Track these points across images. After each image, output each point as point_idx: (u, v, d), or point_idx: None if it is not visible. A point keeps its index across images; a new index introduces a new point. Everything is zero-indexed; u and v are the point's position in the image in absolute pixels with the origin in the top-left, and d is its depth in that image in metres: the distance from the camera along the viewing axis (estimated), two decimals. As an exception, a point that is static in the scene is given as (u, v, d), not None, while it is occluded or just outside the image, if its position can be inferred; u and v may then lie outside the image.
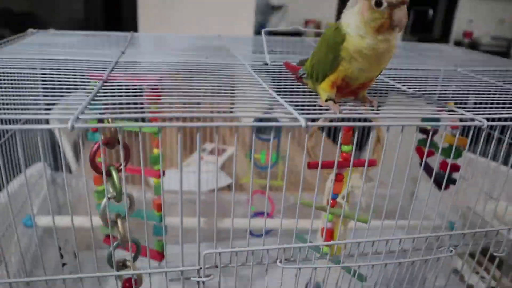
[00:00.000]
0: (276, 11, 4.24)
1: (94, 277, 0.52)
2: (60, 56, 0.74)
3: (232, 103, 1.42)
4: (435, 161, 0.77)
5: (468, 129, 0.56)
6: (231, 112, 1.83)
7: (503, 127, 0.62)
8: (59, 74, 0.66)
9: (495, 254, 0.69)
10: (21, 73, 0.72)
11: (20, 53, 0.77)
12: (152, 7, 2.47)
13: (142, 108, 0.54)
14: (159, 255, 0.75)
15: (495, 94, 0.70)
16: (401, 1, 0.49)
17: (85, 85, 0.64)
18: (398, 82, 0.71)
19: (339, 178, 0.61)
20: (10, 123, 0.46)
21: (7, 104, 0.49)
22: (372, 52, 0.51)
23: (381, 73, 0.64)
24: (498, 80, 0.78)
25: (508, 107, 0.59)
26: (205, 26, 2.51)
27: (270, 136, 0.85)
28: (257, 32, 2.62)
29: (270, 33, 0.95)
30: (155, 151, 0.71)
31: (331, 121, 0.57)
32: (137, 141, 0.49)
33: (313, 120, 0.50)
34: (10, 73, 0.70)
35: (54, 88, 0.59)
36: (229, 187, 1.18)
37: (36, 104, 0.50)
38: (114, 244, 0.55)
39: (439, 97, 0.65)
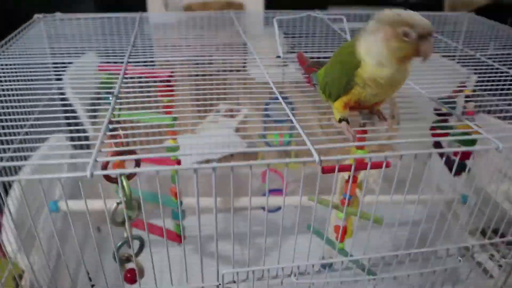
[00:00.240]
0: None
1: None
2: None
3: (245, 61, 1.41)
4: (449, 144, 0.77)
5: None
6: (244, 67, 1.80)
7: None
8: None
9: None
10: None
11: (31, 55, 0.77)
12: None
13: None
14: (178, 237, 0.79)
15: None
16: (429, 32, 0.47)
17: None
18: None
19: (354, 180, 0.62)
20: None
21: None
22: (388, 81, 0.49)
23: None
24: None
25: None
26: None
27: (282, 118, 0.85)
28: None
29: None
30: (171, 141, 0.72)
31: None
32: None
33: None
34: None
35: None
36: (244, 154, 1.19)
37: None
38: (118, 244, 0.58)
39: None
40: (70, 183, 0.95)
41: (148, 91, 0.64)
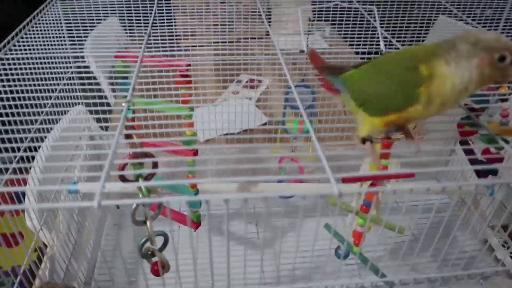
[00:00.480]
0: None
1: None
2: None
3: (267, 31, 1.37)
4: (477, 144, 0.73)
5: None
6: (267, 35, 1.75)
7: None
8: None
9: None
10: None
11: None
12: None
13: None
14: (195, 224, 0.80)
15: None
16: None
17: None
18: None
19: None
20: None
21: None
22: (458, 101, 0.48)
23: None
24: None
25: None
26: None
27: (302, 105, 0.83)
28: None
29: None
30: (188, 132, 0.71)
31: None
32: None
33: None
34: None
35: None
36: (263, 130, 1.18)
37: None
38: (142, 241, 0.58)
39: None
40: (88, 166, 0.97)
41: (165, 82, 0.62)
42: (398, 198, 1.05)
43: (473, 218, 0.99)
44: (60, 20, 0.87)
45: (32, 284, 0.73)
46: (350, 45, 1.02)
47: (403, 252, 0.66)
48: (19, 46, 0.74)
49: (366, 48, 0.84)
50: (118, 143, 0.44)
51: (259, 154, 1.05)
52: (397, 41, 0.68)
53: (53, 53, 0.83)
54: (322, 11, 1.08)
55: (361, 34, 0.97)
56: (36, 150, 0.84)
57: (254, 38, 1.62)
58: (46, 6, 0.82)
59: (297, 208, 1.08)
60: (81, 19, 0.91)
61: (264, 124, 1.20)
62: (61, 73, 0.85)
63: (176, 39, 1.08)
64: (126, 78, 0.69)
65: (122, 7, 0.99)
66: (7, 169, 0.58)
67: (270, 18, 1.78)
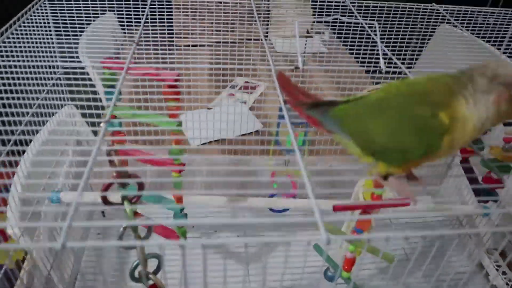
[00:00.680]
0: None
1: None
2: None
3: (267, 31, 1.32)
4: (477, 163, 0.71)
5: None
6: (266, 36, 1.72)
7: None
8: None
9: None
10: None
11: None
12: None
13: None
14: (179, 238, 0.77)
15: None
16: None
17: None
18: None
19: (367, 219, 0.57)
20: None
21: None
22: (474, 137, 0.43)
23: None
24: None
25: None
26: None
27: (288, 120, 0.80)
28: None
29: None
30: (175, 146, 0.67)
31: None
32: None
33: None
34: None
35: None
36: (257, 133, 1.15)
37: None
38: (134, 265, 0.55)
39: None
40: (74, 173, 0.93)
41: (150, 93, 0.59)
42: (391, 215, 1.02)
43: (469, 241, 0.96)
44: (48, 20, 0.83)
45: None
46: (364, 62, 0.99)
47: (396, 272, 0.64)
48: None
49: (364, 66, 0.82)
50: (98, 150, 0.41)
51: (250, 167, 1.02)
52: (397, 58, 0.65)
53: (40, 56, 0.79)
54: (321, 22, 1.05)
55: (360, 48, 0.94)
56: (19, 154, 0.81)
57: (250, 40, 1.60)
58: (33, 6, 0.79)
59: (289, 221, 1.05)
60: (70, 20, 0.87)
61: (257, 132, 1.17)
62: (48, 73, 0.81)
63: (169, 39, 1.05)
64: (113, 87, 0.65)
65: (113, 6, 0.96)
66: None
67: (269, 19, 1.76)
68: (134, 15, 0.93)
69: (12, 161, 0.69)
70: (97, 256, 0.97)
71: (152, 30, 1.00)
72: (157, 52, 0.96)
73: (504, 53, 0.94)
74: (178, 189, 0.71)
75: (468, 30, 0.93)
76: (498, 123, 0.44)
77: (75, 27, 0.89)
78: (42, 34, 0.80)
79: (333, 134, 0.49)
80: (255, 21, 0.69)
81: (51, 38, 0.82)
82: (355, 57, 0.97)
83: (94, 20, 1.03)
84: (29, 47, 0.74)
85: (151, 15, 0.83)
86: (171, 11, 1.11)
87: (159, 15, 0.98)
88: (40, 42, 0.79)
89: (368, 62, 0.86)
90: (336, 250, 0.72)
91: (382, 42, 0.66)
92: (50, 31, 0.82)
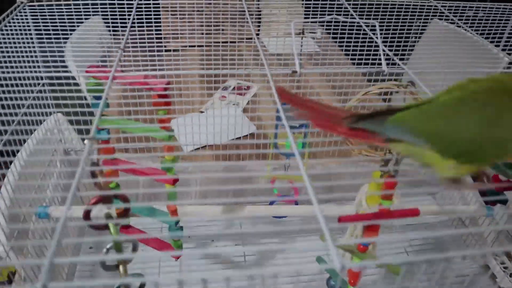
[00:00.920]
0: None
1: None
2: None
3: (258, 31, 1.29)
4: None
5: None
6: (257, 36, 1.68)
7: None
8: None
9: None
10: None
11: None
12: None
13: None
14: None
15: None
16: None
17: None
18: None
19: (373, 228, 0.53)
20: None
21: None
22: None
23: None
24: None
25: None
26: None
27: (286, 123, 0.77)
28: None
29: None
30: (167, 157, 0.64)
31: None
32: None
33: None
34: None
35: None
36: (252, 136, 1.11)
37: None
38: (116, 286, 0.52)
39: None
40: (62, 187, 0.90)
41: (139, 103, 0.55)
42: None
43: (473, 241, 0.94)
44: (29, 26, 0.79)
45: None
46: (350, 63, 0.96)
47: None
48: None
49: (361, 68, 0.79)
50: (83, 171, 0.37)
51: (247, 173, 0.99)
52: (400, 58, 0.62)
53: (22, 66, 0.75)
54: (316, 23, 1.02)
55: (356, 49, 0.91)
56: (6, 166, 0.77)
57: (242, 41, 1.56)
58: (12, 11, 0.75)
59: (288, 227, 1.02)
60: (52, 26, 0.83)
61: (252, 135, 1.13)
62: (32, 85, 0.77)
63: (157, 43, 1.01)
64: (99, 98, 0.62)
65: (97, 10, 0.92)
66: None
67: (260, 20, 1.72)
68: (120, 18, 0.89)
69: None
70: (91, 271, 0.94)
71: (139, 34, 0.96)
72: (145, 58, 0.92)
73: (503, 49, 0.92)
74: (173, 200, 0.68)
75: (467, 25, 0.90)
76: None
77: (58, 33, 0.85)
78: (23, 42, 0.76)
79: (392, 144, 0.45)
80: (247, 21, 0.66)
81: (33, 46, 0.78)
82: (352, 59, 0.93)
83: (78, 26, 0.99)
84: (8, 56, 0.70)
85: (138, 18, 0.79)
86: (159, 13, 1.07)
87: (146, 18, 0.94)
88: (22, 51, 0.75)
89: (366, 63, 0.84)
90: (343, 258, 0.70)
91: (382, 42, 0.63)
92: (31, 38, 0.78)
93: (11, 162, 0.80)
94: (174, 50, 1.51)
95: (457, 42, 1.12)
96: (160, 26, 1.24)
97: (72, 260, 0.42)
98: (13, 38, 0.74)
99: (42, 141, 0.92)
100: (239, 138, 1.11)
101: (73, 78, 1.11)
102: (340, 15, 0.68)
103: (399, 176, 0.62)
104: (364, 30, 0.71)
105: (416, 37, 1.06)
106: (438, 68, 0.68)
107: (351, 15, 0.74)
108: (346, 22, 0.65)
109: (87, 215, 0.46)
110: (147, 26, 0.98)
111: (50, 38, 0.82)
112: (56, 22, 0.82)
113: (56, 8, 0.80)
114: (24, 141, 0.83)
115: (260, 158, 1.01)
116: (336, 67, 0.92)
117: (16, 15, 0.77)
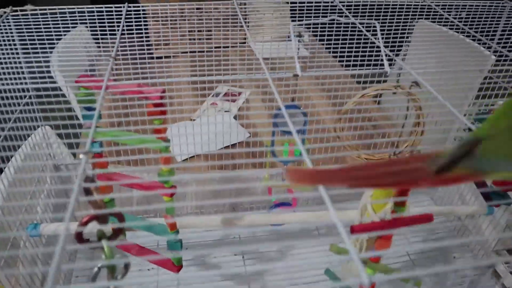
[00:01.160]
0: None
1: None
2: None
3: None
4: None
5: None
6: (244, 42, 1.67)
7: None
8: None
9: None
10: None
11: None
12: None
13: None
14: (176, 267, 0.71)
15: None
16: None
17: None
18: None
19: (387, 237, 0.51)
20: None
21: None
22: None
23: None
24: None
25: None
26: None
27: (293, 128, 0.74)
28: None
29: None
30: (164, 168, 0.61)
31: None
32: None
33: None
34: None
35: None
36: (246, 143, 1.09)
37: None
38: None
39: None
40: (53, 204, 0.86)
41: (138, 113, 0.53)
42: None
43: (472, 237, 0.93)
44: (13, 36, 0.76)
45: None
46: (346, 66, 0.94)
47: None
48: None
49: (353, 70, 0.77)
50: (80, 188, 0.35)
51: (243, 183, 0.96)
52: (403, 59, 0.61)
53: (7, 78, 0.72)
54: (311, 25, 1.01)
55: (351, 50, 0.89)
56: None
57: (235, 46, 1.54)
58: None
59: (287, 234, 1.00)
60: (38, 36, 0.80)
61: (246, 142, 1.11)
62: (18, 97, 0.74)
63: (147, 51, 0.99)
64: (90, 109, 0.59)
65: (84, 19, 0.89)
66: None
67: (248, 25, 1.71)
68: (108, 27, 0.87)
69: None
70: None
71: (129, 42, 0.94)
72: (136, 66, 0.90)
73: (495, 51, 0.91)
74: (171, 214, 0.65)
75: (460, 23, 0.90)
76: None
77: (44, 43, 0.82)
78: (8, 53, 0.73)
79: (489, 175, 0.39)
80: (242, 26, 0.64)
81: (18, 57, 0.75)
82: (347, 61, 0.92)
83: (64, 35, 0.95)
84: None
85: (127, 25, 0.76)
86: (146, 21, 1.05)
87: (134, 26, 0.91)
88: (6, 62, 0.71)
89: (361, 65, 0.82)
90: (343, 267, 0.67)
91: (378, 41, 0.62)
92: (16, 48, 0.75)
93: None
94: (165, 57, 1.49)
95: (445, 42, 1.12)
96: (148, 34, 1.21)
97: (71, 267, 0.39)
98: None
99: (30, 156, 0.89)
100: (233, 145, 1.08)
101: (61, 89, 1.08)
102: (326, 16, 0.66)
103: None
104: (359, 30, 0.69)
105: (410, 36, 1.05)
106: (429, 68, 0.66)
107: (346, 16, 0.72)
108: (347, 23, 0.63)
109: (79, 236, 0.43)
110: (135, 34, 0.95)
111: (35, 48, 0.79)
112: (42, 32, 0.79)
113: (41, 17, 0.77)
114: (12, 156, 0.80)
115: (256, 166, 0.99)
116: (337, 69, 0.90)
117: (-1, 26, 0.74)
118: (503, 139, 0.37)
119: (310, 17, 1.04)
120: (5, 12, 0.73)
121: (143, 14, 0.91)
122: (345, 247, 0.60)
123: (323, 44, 1.03)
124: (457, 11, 0.95)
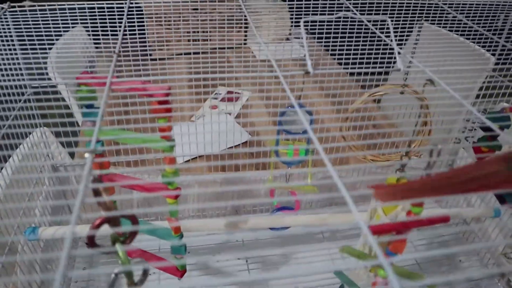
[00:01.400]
0: None
1: None
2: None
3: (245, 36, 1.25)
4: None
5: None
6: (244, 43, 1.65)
7: None
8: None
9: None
10: None
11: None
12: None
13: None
14: (179, 272, 0.69)
15: None
16: None
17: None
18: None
19: (401, 240, 0.49)
20: None
21: None
22: None
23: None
24: None
25: None
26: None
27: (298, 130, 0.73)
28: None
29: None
30: (168, 169, 0.59)
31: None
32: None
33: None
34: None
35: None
36: (246, 144, 1.07)
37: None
38: None
39: None
40: (51, 206, 0.84)
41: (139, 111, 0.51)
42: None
43: (481, 243, 0.92)
44: (11, 34, 0.74)
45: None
46: (352, 63, 0.92)
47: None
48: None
49: (356, 69, 0.75)
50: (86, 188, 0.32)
51: (247, 184, 0.94)
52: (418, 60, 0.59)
53: (5, 75, 0.70)
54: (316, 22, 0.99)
55: (357, 48, 0.88)
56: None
57: (232, 48, 1.52)
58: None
59: (291, 238, 0.98)
60: (36, 33, 0.78)
61: (246, 143, 1.09)
62: (16, 94, 0.72)
63: (145, 51, 0.97)
64: (91, 106, 0.57)
65: (85, 17, 0.87)
66: None
67: (247, 25, 1.69)
68: (106, 26, 0.85)
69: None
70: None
71: (128, 41, 0.92)
72: (138, 64, 0.88)
73: (503, 48, 0.90)
74: (174, 217, 0.63)
75: (468, 20, 0.89)
76: None
77: (43, 41, 0.79)
78: (5, 50, 0.71)
79: None
80: (247, 26, 0.62)
81: (16, 54, 0.73)
82: (353, 59, 0.90)
83: (65, 31, 0.93)
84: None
85: (128, 24, 0.74)
86: (143, 22, 1.03)
87: (132, 25, 0.89)
88: (3, 59, 0.69)
89: (368, 63, 0.80)
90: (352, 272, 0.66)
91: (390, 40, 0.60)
92: (14, 45, 0.73)
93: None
94: (168, 58, 1.47)
95: (447, 44, 1.11)
96: (144, 35, 1.19)
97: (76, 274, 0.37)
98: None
99: (28, 156, 0.87)
100: (236, 146, 1.07)
101: (59, 92, 1.06)
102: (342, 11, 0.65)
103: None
104: (366, 27, 0.68)
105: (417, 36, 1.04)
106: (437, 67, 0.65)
107: (352, 12, 0.70)
108: (354, 20, 0.61)
109: (91, 240, 0.40)
110: (133, 34, 0.93)
111: (34, 45, 0.77)
112: (40, 29, 0.77)
113: (40, 14, 0.75)
114: (9, 156, 0.77)
115: (260, 168, 0.97)
116: (351, 66, 0.88)
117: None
118: None
119: (303, 15, 1.03)
120: (2, 8, 0.71)
121: (140, 14, 0.90)
122: (358, 249, 0.59)
123: (328, 42, 1.01)
124: (464, 9, 0.94)
